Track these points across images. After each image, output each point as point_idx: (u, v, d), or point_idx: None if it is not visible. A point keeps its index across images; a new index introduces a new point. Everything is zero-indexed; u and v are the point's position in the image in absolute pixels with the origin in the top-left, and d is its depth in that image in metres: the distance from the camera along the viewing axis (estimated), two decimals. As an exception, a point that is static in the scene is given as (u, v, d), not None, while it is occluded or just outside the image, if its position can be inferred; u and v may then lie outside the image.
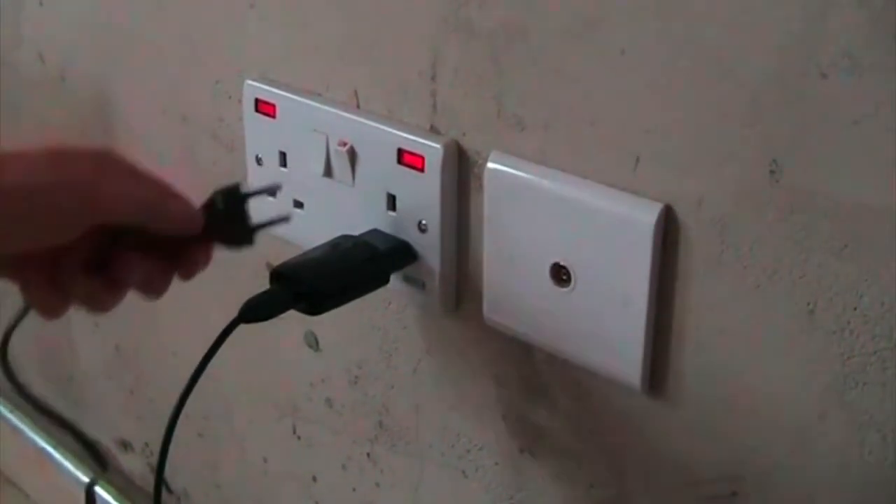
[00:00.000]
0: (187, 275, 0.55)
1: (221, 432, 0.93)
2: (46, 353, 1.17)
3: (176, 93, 0.80)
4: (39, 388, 1.21)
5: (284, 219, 0.58)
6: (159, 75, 0.81)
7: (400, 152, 0.61)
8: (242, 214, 0.56)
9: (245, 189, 0.56)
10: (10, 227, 0.48)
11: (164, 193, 0.53)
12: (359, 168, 0.64)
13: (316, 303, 0.59)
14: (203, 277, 0.87)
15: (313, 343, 0.77)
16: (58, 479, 1.19)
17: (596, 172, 0.54)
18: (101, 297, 0.53)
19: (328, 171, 0.66)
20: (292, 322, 0.72)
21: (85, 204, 0.49)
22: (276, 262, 0.61)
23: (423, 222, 0.62)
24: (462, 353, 0.66)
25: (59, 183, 0.48)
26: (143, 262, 0.53)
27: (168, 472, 1.04)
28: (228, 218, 0.56)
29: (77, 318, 1.08)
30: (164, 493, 1.04)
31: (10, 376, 0.59)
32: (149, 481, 1.04)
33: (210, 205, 0.55)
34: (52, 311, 0.53)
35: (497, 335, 0.62)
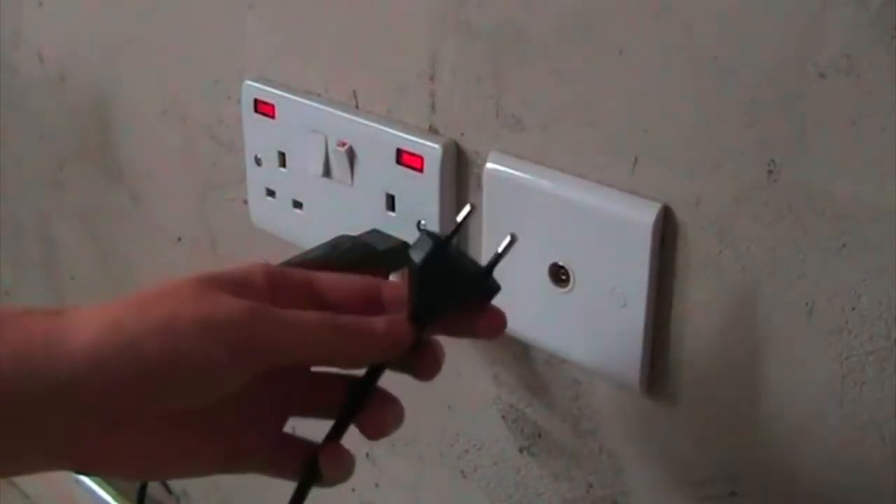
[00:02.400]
0: (425, 372, 0.48)
1: (221, 432, 0.93)
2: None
3: (175, 93, 0.80)
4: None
5: (513, 240, 0.47)
6: (158, 76, 0.81)
7: (399, 152, 0.61)
8: (462, 268, 0.46)
9: (443, 235, 0.46)
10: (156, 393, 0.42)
11: (340, 325, 0.45)
12: (358, 168, 0.64)
13: (315, 303, 0.59)
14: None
15: (313, 343, 0.77)
16: (58, 479, 1.19)
17: (594, 172, 0.54)
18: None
19: (327, 172, 0.66)
20: (291, 322, 0.72)
21: (236, 350, 0.42)
22: (276, 262, 0.61)
23: (423, 222, 0.62)
24: (461, 353, 0.66)
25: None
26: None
27: (168, 472, 1.04)
28: (441, 286, 0.45)
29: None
30: (164, 493, 1.04)
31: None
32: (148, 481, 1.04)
33: (419, 277, 0.45)
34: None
35: (496, 335, 0.62)
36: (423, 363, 0.48)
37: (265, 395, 0.47)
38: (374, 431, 0.49)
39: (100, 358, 0.41)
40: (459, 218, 0.47)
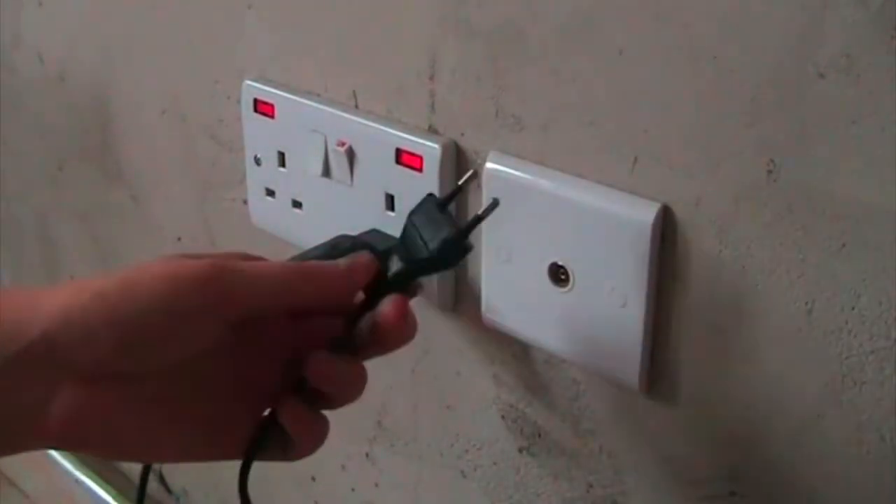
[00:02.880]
0: (408, 329, 0.49)
1: (221, 432, 0.93)
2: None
3: (175, 93, 0.80)
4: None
5: (495, 204, 0.49)
6: (158, 76, 0.81)
7: (398, 152, 0.61)
8: (445, 226, 0.49)
9: (440, 197, 0.50)
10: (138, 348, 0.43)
11: (303, 268, 0.47)
12: (357, 168, 0.64)
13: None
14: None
15: (312, 343, 0.77)
16: (58, 479, 1.19)
17: (594, 172, 0.54)
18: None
19: (327, 172, 0.66)
20: (291, 322, 0.72)
21: (201, 299, 0.44)
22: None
23: (422, 222, 0.62)
24: (460, 353, 0.66)
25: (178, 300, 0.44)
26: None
27: (168, 472, 1.04)
28: (431, 241, 0.48)
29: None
30: (164, 493, 1.04)
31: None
32: (149, 481, 1.04)
33: (406, 236, 0.49)
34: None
35: (495, 335, 0.62)
36: (396, 316, 0.48)
37: (245, 360, 0.48)
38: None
39: (69, 311, 0.42)
40: (461, 182, 0.51)
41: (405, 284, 0.50)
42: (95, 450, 0.45)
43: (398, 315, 0.48)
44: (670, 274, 0.52)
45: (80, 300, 0.43)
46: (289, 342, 0.49)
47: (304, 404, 0.49)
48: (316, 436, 0.49)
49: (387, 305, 0.48)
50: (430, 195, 0.51)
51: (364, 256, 0.50)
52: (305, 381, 0.48)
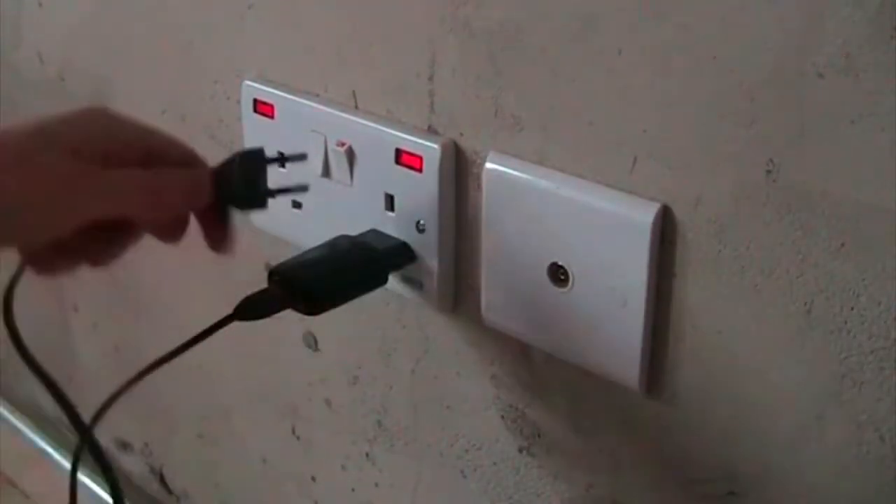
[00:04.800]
0: (215, 243, 0.56)
1: (221, 433, 0.93)
2: (46, 354, 1.17)
3: (175, 93, 0.80)
4: (39, 389, 1.21)
5: (303, 188, 0.58)
6: (158, 76, 0.81)
7: (398, 152, 0.61)
8: (258, 178, 0.56)
9: (268, 156, 0.56)
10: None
11: (155, 179, 0.51)
12: (357, 168, 0.64)
13: (314, 303, 0.59)
14: (203, 279, 0.87)
15: (312, 343, 0.77)
16: (58, 479, 1.19)
17: (594, 172, 0.54)
18: (108, 252, 0.53)
19: (326, 172, 0.66)
20: (291, 322, 0.72)
21: (58, 216, 0.48)
22: (275, 262, 0.61)
23: (422, 222, 0.62)
24: (460, 353, 0.66)
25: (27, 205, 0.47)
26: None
27: (168, 472, 1.04)
28: (244, 180, 0.55)
29: (77, 318, 1.08)
30: (164, 493, 1.04)
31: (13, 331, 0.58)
32: (149, 481, 1.04)
33: (226, 165, 0.55)
34: (49, 270, 0.53)
35: (495, 335, 0.62)
36: (217, 234, 0.56)
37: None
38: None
39: None
40: (289, 185, 0.58)
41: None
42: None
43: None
44: (670, 274, 0.52)
45: None
46: None
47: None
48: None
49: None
50: (260, 153, 0.57)
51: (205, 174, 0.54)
52: None
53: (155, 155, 0.52)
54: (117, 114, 0.52)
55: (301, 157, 0.60)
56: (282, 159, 0.58)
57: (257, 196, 0.57)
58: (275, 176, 0.70)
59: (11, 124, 0.49)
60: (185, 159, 0.54)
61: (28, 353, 0.58)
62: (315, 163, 0.66)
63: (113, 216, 0.50)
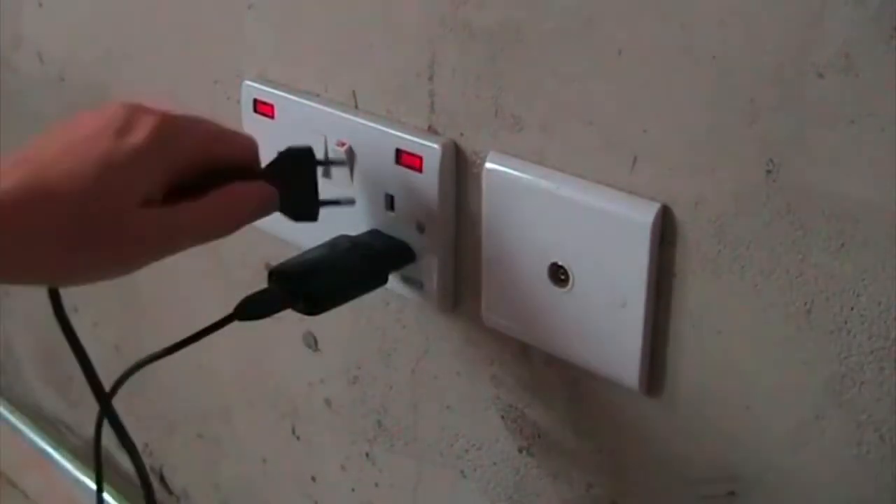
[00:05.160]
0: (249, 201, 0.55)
1: (221, 433, 0.93)
2: (46, 354, 1.17)
3: (175, 93, 0.80)
4: (39, 388, 1.21)
5: (350, 201, 0.59)
6: (158, 76, 0.81)
7: (398, 152, 0.61)
8: (311, 186, 0.57)
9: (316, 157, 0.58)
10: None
11: (225, 206, 0.53)
12: (357, 168, 0.64)
13: (314, 303, 0.59)
14: (204, 279, 0.87)
15: (312, 343, 0.77)
16: (58, 479, 1.19)
17: (593, 172, 0.54)
18: None
19: (326, 172, 0.66)
20: (291, 322, 0.72)
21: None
22: (276, 262, 0.61)
23: (422, 222, 0.62)
24: (460, 353, 0.66)
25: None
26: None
27: (168, 472, 1.04)
28: (298, 189, 0.56)
29: (77, 318, 1.08)
30: (164, 493, 1.04)
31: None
32: (148, 481, 1.04)
33: (277, 167, 0.56)
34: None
35: (495, 335, 0.62)
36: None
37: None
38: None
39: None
40: (336, 196, 0.60)
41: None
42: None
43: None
44: (670, 274, 0.52)
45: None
46: None
47: None
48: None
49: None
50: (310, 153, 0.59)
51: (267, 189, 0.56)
52: None
53: (219, 162, 0.53)
54: (176, 129, 0.50)
55: (342, 163, 0.61)
56: (326, 163, 0.59)
57: (312, 207, 0.58)
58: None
59: (68, 166, 0.47)
60: (245, 159, 0.55)
61: (78, 344, 0.58)
62: (315, 163, 0.66)
63: (187, 248, 0.52)
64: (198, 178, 0.52)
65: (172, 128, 0.50)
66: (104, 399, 0.59)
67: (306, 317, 0.60)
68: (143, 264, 0.51)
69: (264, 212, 0.55)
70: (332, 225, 0.64)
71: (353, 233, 0.64)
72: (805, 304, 0.48)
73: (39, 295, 1.15)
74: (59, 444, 1.20)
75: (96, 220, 0.47)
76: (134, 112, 0.50)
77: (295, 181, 0.56)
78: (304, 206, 0.58)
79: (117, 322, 1.00)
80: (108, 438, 1.12)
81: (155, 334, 0.94)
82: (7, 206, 0.45)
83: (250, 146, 0.56)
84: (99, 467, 0.65)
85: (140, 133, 0.48)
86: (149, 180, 0.49)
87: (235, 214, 0.53)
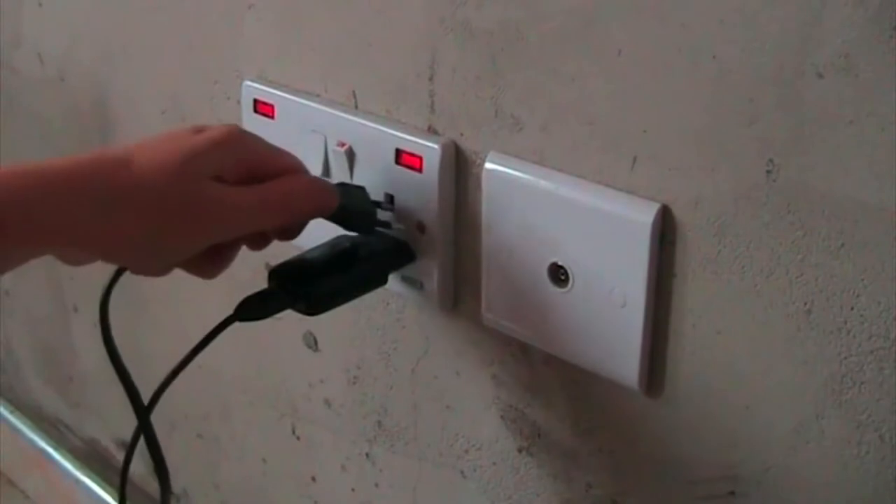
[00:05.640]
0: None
1: (221, 433, 0.93)
2: (46, 354, 1.17)
3: (175, 94, 0.80)
4: (39, 388, 1.21)
5: (410, 254, 0.63)
6: (158, 76, 0.81)
7: (398, 153, 0.61)
8: (370, 207, 0.61)
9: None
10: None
11: (291, 191, 0.55)
12: (357, 168, 0.64)
13: (314, 303, 0.59)
14: (203, 279, 0.86)
15: (312, 343, 0.77)
16: (58, 479, 1.19)
17: (593, 172, 0.54)
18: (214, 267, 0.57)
19: (326, 172, 0.66)
20: (291, 322, 0.72)
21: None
22: (276, 262, 0.61)
23: (422, 222, 0.62)
24: (460, 353, 0.66)
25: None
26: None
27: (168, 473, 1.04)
28: (361, 205, 0.60)
29: (77, 318, 1.08)
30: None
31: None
32: (148, 481, 1.04)
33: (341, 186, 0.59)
34: (156, 275, 0.55)
35: (495, 335, 0.62)
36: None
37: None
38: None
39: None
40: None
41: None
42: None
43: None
44: (670, 274, 0.52)
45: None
46: None
47: None
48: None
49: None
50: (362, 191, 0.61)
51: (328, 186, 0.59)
52: None
53: (281, 168, 0.56)
54: (247, 134, 0.55)
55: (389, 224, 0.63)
56: (382, 223, 0.62)
57: (371, 224, 0.61)
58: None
59: (147, 152, 0.52)
60: (306, 172, 0.58)
61: (117, 355, 0.59)
62: (315, 163, 0.66)
63: (254, 230, 0.56)
64: (264, 180, 0.55)
65: (241, 131, 0.55)
66: (143, 415, 0.59)
67: (306, 317, 0.60)
68: (202, 243, 0.53)
69: (321, 208, 0.57)
70: (332, 225, 0.64)
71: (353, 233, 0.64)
72: (805, 304, 0.48)
73: (39, 295, 1.15)
74: (59, 444, 1.20)
75: (163, 191, 0.51)
76: (206, 125, 0.55)
77: (360, 199, 0.60)
78: (366, 222, 0.61)
79: (118, 322, 1.00)
80: (108, 438, 1.12)
81: (155, 334, 0.94)
82: (82, 179, 0.49)
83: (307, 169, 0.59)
84: (123, 486, 0.66)
85: (213, 131, 0.54)
86: (215, 165, 0.53)
87: (296, 202, 0.56)
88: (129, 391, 0.60)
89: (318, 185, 0.58)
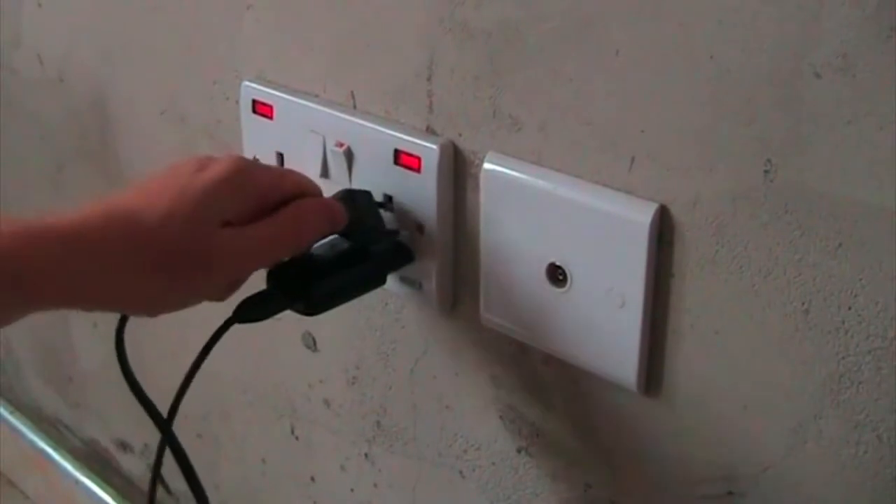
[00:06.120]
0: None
1: (220, 433, 0.93)
2: (46, 354, 1.17)
3: (174, 94, 0.80)
4: (39, 388, 1.21)
5: (411, 257, 0.63)
6: (157, 77, 0.81)
7: (396, 153, 0.61)
8: (376, 216, 0.61)
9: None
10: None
11: (297, 220, 0.56)
12: (356, 169, 0.64)
13: (313, 303, 0.59)
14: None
15: (311, 344, 0.77)
16: (58, 479, 1.19)
17: (591, 172, 0.54)
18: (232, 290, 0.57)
19: (325, 172, 0.66)
20: (290, 323, 0.72)
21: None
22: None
23: (420, 223, 0.62)
24: (459, 354, 0.66)
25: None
26: None
27: (167, 472, 1.04)
28: (367, 214, 0.60)
29: (77, 319, 1.08)
30: (164, 494, 1.05)
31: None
32: (148, 482, 1.04)
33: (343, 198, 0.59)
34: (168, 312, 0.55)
35: (494, 335, 0.62)
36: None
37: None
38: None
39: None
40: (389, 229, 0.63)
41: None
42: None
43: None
44: (668, 274, 0.52)
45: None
46: None
47: None
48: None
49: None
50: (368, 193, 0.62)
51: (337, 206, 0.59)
52: None
53: (288, 193, 0.56)
54: (250, 165, 0.55)
55: (395, 234, 0.63)
56: (388, 232, 0.62)
57: (378, 237, 0.61)
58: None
59: (154, 199, 0.51)
60: (312, 190, 0.58)
61: (134, 380, 0.59)
62: (314, 163, 0.66)
63: (270, 265, 0.57)
64: (273, 209, 0.55)
65: (245, 164, 0.55)
66: (166, 427, 0.60)
67: (305, 317, 0.60)
68: (219, 287, 0.54)
69: (332, 226, 0.58)
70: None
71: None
72: (803, 303, 0.48)
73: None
74: (59, 444, 1.20)
75: (175, 243, 0.51)
76: (208, 159, 0.54)
77: (366, 208, 0.60)
78: (373, 234, 0.61)
79: (116, 322, 1.00)
80: (108, 438, 1.12)
81: (154, 336, 0.94)
82: (94, 235, 0.49)
83: (314, 184, 0.59)
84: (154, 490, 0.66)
85: (215, 168, 0.53)
86: (224, 207, 0.53)
87: (307, 227, 0.56)
88: (148, 410, 0.60)
89: (327, 205, 0.58)
